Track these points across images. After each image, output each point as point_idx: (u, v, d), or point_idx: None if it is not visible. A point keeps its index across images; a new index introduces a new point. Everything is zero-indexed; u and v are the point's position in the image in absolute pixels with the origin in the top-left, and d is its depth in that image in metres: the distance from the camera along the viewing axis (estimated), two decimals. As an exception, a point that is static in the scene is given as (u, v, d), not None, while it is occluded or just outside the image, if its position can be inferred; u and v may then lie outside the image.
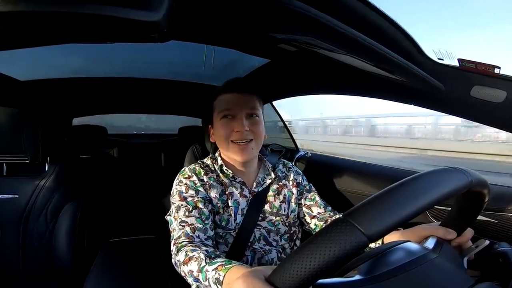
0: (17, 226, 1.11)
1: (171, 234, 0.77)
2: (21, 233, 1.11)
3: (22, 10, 0.27)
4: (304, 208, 0.94)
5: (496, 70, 0.61)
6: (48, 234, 1.14)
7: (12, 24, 0.31)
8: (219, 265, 0.57)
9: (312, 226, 0.91)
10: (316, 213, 0.92)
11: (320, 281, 0.36)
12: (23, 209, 1.12)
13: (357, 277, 0.39)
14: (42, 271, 1.13)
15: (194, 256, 0.64)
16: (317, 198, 0.94)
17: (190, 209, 0.78)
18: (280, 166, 0.98)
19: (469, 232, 0.54)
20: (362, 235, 0.31)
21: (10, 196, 1.12)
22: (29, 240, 1.12)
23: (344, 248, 0.31)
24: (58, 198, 1.16)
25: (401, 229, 0.63)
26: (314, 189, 0.98)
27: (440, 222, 0.56)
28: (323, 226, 0.89)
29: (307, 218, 0.93)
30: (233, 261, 0.58)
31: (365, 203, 0.35)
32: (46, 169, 1.18)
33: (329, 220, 0.88)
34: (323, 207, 0.92)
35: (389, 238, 0.64)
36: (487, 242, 0.51)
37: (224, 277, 0.54)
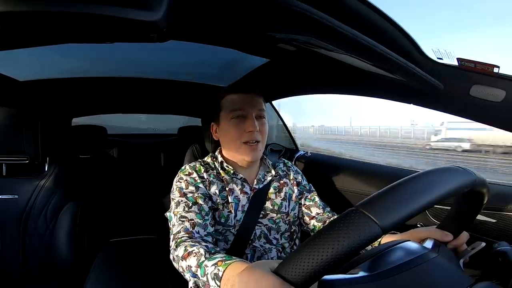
0: (17, 227, 1.11)
1: (171, 230, 0.77)
2: (21, 234, 1.11)
3: (21, 10, 0.27)
4: (303, 208, 0.94)
5: (495, 70, 0.61)
6: (48, 234, 1.14)
7: (11, 24, 0.30)
8: (219, 261, 0.55)
9: (311, 226, 0.92)
10: (315, 214, 0.92)
11: (325, 277, 0.36)
12: (23, 210, 1.12)
13: (361, 273, 0.39)
14: (42, 271, 1.13)
15: (193, 251, 0.63)
16: (317, 199, 0.95)
17: (190, 204, 0.78)
18: (281, 165, 0.99)
19: (464, 235, 0.55)
20: (376, 226, 0.31)
21: (9, 197, 1.12)
22: (29, 241, 1.12)
23: (358, 238, 0.31)
24: (57, 198, 1.16)
25: (398, 232, 0.63)
26: (313, 189, 0.99)
27: (436, 225, 0.57)
28: (322, 227, 0.89)
29: (306, 219, 0.93)
30: (234, 257, 0.57)
31: (379, 194, 0.35)
32: (46, 169, 1.18)
33: (327, 221, 0.88)
34: (322, 208, 0.92)
35: (387, 239, 0.64)
36: (483, 244, 0.51)
37: (223, 273, 0.52)
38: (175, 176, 0.88)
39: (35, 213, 1.13)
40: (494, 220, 0.77)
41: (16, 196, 1.12)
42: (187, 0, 0.47)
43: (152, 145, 2.34)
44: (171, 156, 2.20)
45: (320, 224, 0.89)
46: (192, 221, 0.75)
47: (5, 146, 1.09)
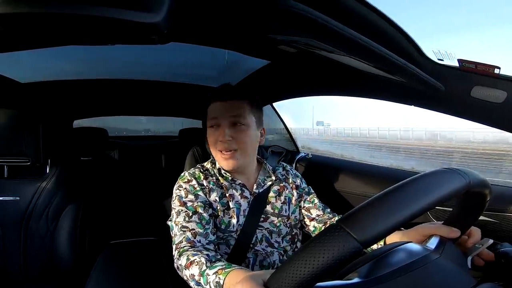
0: (18, 228, 1.11)
1: (173, 239, 0.77)
2: (22, 235, 1.11)
3: (23, 11, 0.27)
4: (303, 211, 0.94)
5: (496, 71, 0.61)
6: (49, 236, 1.14)
7: (13, 26, 0.31)
8: (219, 269, 0.58)
9: (311, 228, 0.92)
10: (315, 215, 0.92)
11: (319, 284, 0.36)
12: (24, 211, 1.12)
13: (355, 279, 0.39)
14: (42, 273, 1.13)
15: (195, 260, 0.65)
16: (316, 201, 0.95)
17: (190, 214, 0.78)
18: (280, 169, 0.99)
19: (475, 231, 0.54)
20: (354, 241, 0.31)
21: (11, 198, 1.12)
22: (30, 242, 1.12)
23: (338, 254, 0.31)
24: (59, 200, 1.16)
25: (403, 228, 0.62)
26: (313, 191, 0.99)
27: (443, 221, 0.56)
28: (322, 228, 0.89)
29: (306, 221, 0.93)
30: (233, 265, 0.59)
31: (358, 209, 0.35)
32: (47, 171, 1.18)
33: (328, 222, 0.89)
34: (322, 209, 0.92)
35: (392, 237, 0.64)
36: (490, 241, 0.50)
37: (224, 280, 0.55)
38: (176, 178, 0.88)
39: (36, 214, 1.13)
40: (497, 221, 0.77)
41: (18, 198, 1.12)
42: (188, 2, 0.47)
43: (153, 147, 2.34)
44: (172, 158, 2.20)
45: (320, 225, 0.89)
46: (193, 231, 0.75)
47: (6, 147, 1.09)
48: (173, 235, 0.78)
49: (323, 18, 0.45)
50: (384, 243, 0.69)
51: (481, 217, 0.76)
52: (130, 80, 1.58)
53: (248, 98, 0.88)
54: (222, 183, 0.87)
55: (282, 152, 1.68)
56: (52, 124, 1.18)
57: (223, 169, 0.88)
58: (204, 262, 0.63)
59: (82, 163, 1.66)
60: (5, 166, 1.13)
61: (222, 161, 0.85)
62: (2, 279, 1.09)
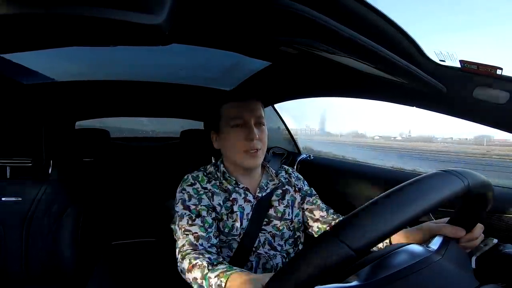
0: (20, 229, 1.12)
1: (176, 243, 0.78)
2: (24, 236, 1.12)
3: (24, 12, 0.27)
4: (306, 212, 0.94)
5: (498, 71, 0.61)
6: (51, 236, 1.14)
7: (15, 27, 0.31)
8: (220, 272, 0.59)
9: (315, 229, 0.91)
10: (319, 217, 0.91)
11: (319, 287, 0.36)
12: (26, 212, 1.13)
13: (354, 283, 0.39)
14: (44, 273, 1.13)
15: (197, 264, 0.66)
16: (319, 202, 0.94)
17: (193, 217, 0.78)
18: (283, 172, 0.99)
19: (478, 229, 0.53)
20: (347, 248, 0.32)
21: (13, 199, 1.12)
22: (31, 242, 1.12)
23: (330, 261, 0.32)
24: (61, 201, 1.17)
25: (408, 227, 0.62)
26: (315, 193, 0.99)
27: (448, 218, 0.55)
28: (327, 229, 0.89)
29: (310, 222, 0.93)
30: (234, 268, 0.61)
31: (351, 216, 0.35)
32: (49, 172, 1.19)
33: (333, 223, 0.88)
34: (325, 210, 0.92)
35: (396, 237, 0.64)
36: (495, 241, 0.50)
37: (225, 283, 0.56)
38: (177, 179, 0.88)
39: (38, 215, 1.13)
40: (498, 223, 0.76)
41: (20, 198, 1.13)
42: (190, 3, 0.47)
43: (154, 148, 2.35)
44: (173, 159, 2.20)
45: (325, 226, 0.89)
46: (196, 234, 0.75)
47: (9, 148, 1.10)
48: (176, 238, 0.79)
49: (324, 19, 0.45)
50: (390, 243, 0.69)
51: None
52: (131, 81, 1.59)
53: (260, 100, 0.89)
54: (225, 187, 0.87)
55: (284, 153, 1.68)
56: (55, 125, 1.18)
57: (228, 173, 0.88)
58: (206, 265, 0.64)
59: (84, 164, 1.66)
60: (8, 167, 1.14)
61: (248, 159, 0.83)
62: (4, 279, 1.10)
